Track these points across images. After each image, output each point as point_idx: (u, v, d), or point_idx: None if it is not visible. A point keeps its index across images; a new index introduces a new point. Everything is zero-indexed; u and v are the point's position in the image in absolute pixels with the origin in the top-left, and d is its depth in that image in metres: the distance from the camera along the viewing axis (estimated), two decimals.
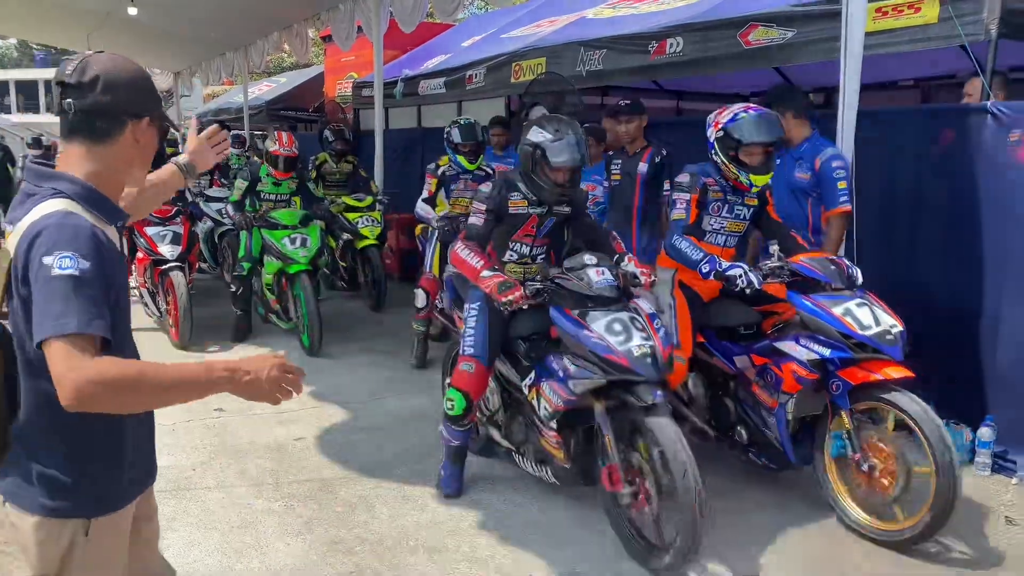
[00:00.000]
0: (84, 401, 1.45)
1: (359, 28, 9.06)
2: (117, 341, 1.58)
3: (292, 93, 16.02)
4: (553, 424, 3.30)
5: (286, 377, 1.64)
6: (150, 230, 6.45)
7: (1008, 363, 4.02)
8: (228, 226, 8.19)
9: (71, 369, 1.44)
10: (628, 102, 5.23)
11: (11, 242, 1.57)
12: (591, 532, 3.42)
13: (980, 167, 4.12)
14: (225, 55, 13.20)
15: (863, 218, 4.51)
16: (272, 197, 6.63)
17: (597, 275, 3.27)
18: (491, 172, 5.94)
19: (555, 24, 7.98)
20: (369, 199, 7.67)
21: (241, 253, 6.65)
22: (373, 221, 7.46)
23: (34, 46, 38.12)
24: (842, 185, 4.14)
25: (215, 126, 2.28)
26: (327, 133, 8.19)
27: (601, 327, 3.11)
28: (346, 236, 7.58)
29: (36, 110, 44.75)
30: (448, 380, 3.87)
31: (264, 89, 17.32)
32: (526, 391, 3.46)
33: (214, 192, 8.81)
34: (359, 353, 6.24)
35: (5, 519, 1.71)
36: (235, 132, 11.20)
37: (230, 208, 6.65)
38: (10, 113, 41.51)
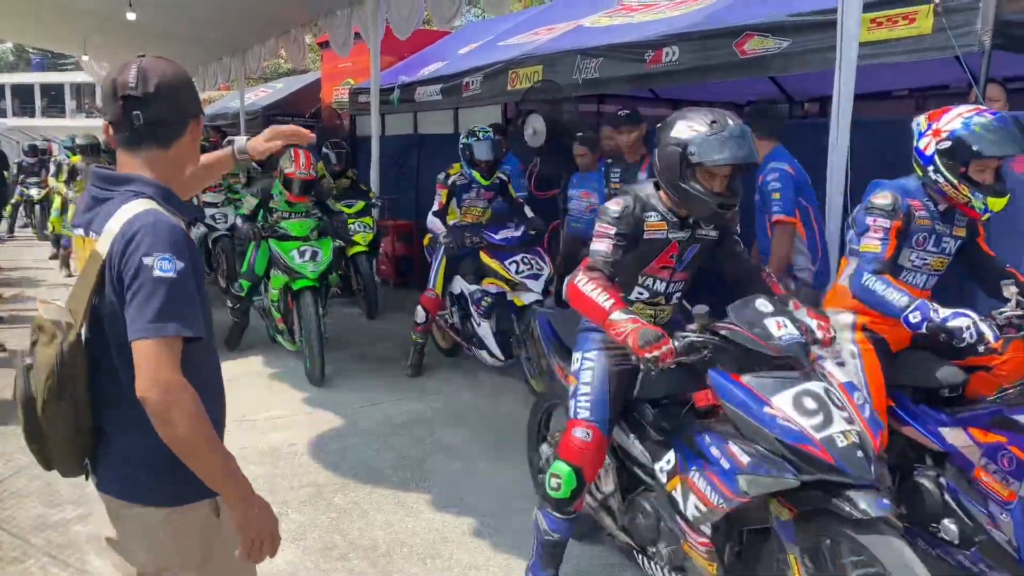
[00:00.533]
0: (162, 404, 1.52)
1: (356, 34, 9.07)
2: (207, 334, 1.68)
3: (289, 99, 16.02)
4: (706, 529, 2.46)
5: (271, 544, 1.73)
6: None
7: None
8: (221, 231, 8.23)
9: (167, 370, 1.52)
10: (628, 112, 5.27)
11: (102, 244, 1.61)
12: (588, 542, 3.42)
13: None
14: (222, 60, 13.21)
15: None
16: (286, 216, 6.03)
17: (778, 328, 2.40)
18: (506, 180, 5.79)
19: (552, 32, 8.01)
20: (361, 204, 7.54)
21: (243, 268, 6.26)
22: (365, 227, 7.36)
23: (30, 50, 38.11)
24: (775, 196, 4.13)
25: (302, 130, 2.25)
26: (328, 152, 7.95)
27: (787, 403, 2.29)
28: (338, 242, 7.33)
29: (32, 114, 44.73)
30: (546, 451, 3.39)
31: (261, 94, 17.31)
32: (663, 477, 2.61)
33: (208, 197, 8.75)
34: (353, 360, 6.24)
35: (118, 517, 1.72)
36: (230, 138, 11.15)
37: (238, 219, 6.34)
38: (5, 117, 41.48)
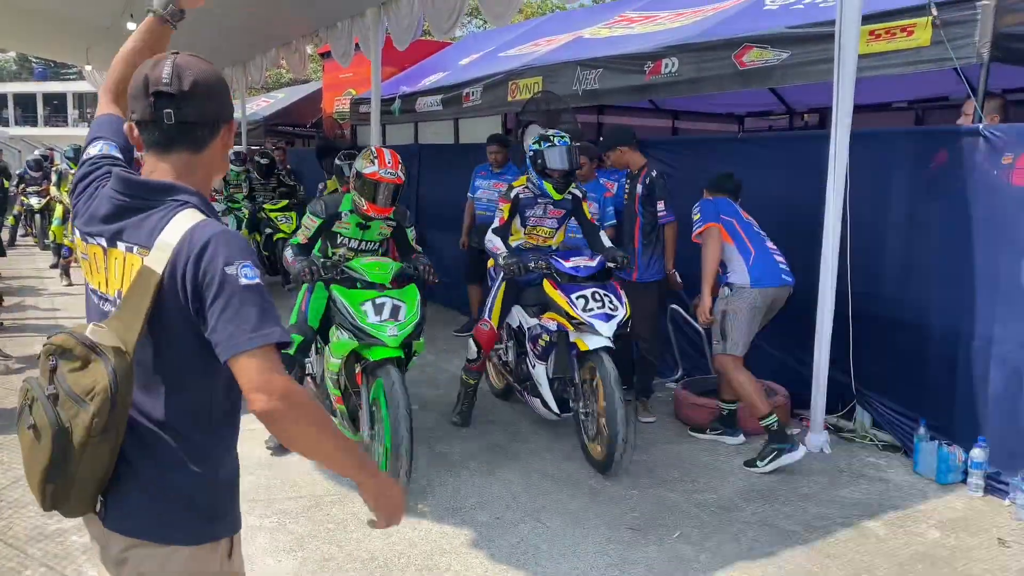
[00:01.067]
0: (288, 412, 1.44)
1: (357, 45, 9.10)
2: None
3: (290, 109, 16.10)
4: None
5: (399, 516, 1.68)
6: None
7: (1000, 384, 4.03)
8: None
9: (280, 376, 1.43)
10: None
11: (155, 259, 1.47)
12: (583, 551, 3.41)
13: (972, 189, 4.15)
14: (224, 70, 13.26)
15: (856, 238, 4.54)
16: (355, 244, 4.42)
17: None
18: (580, 196, 4.82)
19: (552, 43, 8.04)
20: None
21: (292, 319, 4.44)
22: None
23: (33, 59, 38.27)
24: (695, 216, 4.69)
25: None
26: (342, 164, 6.68)
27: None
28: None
29: (34, 123, 44.86)
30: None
31: (262, 104, 17.39)
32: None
33: None
34: None
35: (126, 558, 1.57)
36: (234, 149, 11.16)
37: (287, 253, 4.29)
38: (8, 126, 41.59)
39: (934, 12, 4.21)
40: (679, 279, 5.21)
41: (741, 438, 4.66)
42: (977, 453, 3.98)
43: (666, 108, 9.68)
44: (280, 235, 9.02)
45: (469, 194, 7.05)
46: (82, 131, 38.70)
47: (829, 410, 4.66)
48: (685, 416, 5.05)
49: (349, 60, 9.42)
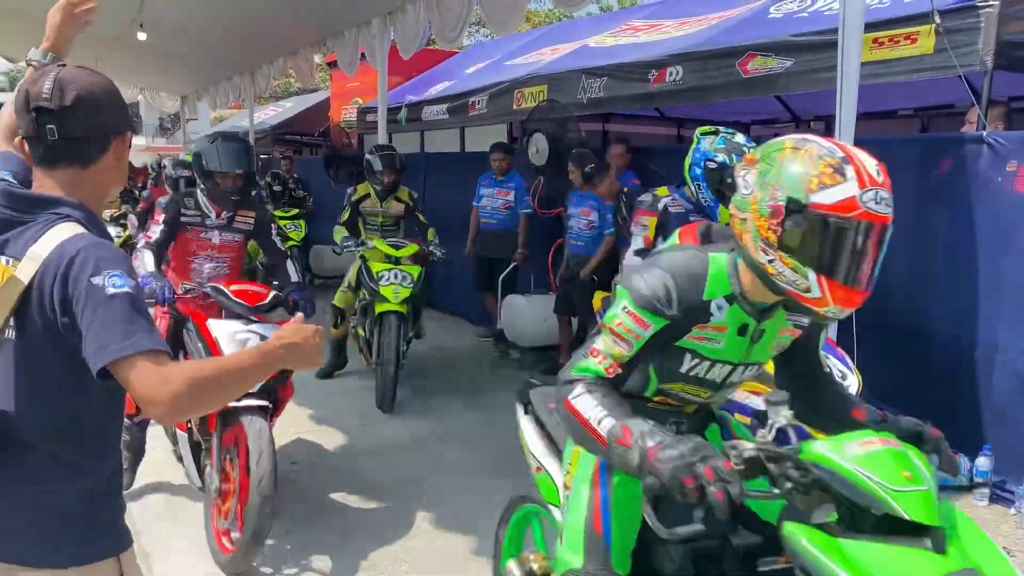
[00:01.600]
0: (181, 410, 1.44)
1: (363, 55, 9.16)
2: None
3: (298, 117, 16.16)
4: None
5: (321, 341, 1.62)
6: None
7: (1006, 392, 4.02)
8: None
9: (164, 382, 1.39)
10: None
11: (25, 270, 1.44)
12: None
13: (977, 197, 4.14)
14: (232, 79, 13.32)
15: None
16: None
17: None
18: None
19: (557, 52, 8.07)
20: (412, 248, 5.79)
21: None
22: (405, 279, 5.52)
23: None
24: None
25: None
26: (372, 159, 6.00)
27: None
28: (364, 295, 5.72)
29: (135, 132, 45.23)
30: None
31: (270, 113, 17.47)
32: None
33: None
34: (355, 377, 6.23)
35: None
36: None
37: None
38: None
39: (937, 20, 4.21)
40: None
41: None
42: (982, 462, 3.96)
43: (671, 116, 9.69)
44: (290, 243, 9.09)
45: (474, 203, 7.08)
46: None
47: None
48: None
49: (355, 69, 9.46)
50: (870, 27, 4.34)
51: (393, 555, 3.46)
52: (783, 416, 1.52)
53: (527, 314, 6.55)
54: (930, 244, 4.42)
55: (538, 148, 6.71)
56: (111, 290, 1.41)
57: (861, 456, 1.45)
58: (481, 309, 7.43)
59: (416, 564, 3.38)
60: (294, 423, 5.16)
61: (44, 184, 1.55)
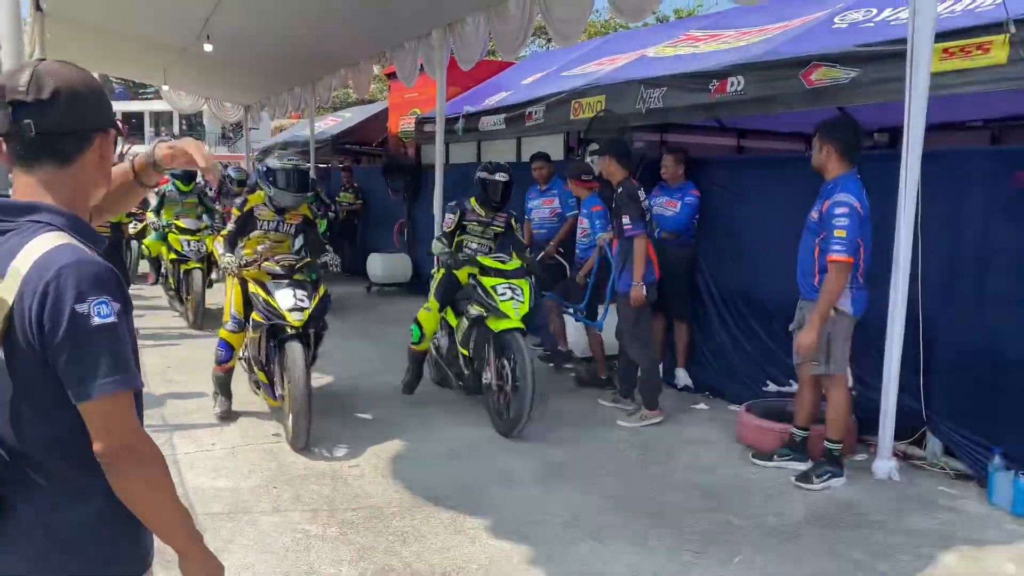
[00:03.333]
0: (131, 462, 1.39)
1: (421, 66, 9.27)
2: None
3: (357, 128, 16.42)
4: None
5: None
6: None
7: None
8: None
9: (131, 428, 1.39)
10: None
11: (6, 288, 1.35)
12: (643, 574, 3.38)
13: None
14: (293, 90, 13.61)
15: (928, 263, 4.43)
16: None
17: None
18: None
19: (615, 62, 8.06)
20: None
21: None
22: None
23: (114, 80, 39.88)
24: (839, 233, 4.08)
25: (207, 156, 1.80)
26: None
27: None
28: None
29: (122, 135, 46.68)
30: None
31: (330, 123, 17.78)
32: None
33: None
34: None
35: None
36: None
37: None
38: None
39: (1012, 29, 4.09)
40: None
41: (809, 464, 4.54)
42: None
43: (732, 127, 9.59)
44: (506, 325, 7.95)
45: (525, 217, 7.15)
46: None
47: (898, 436, 4.52)
48: (749, 440, 4.96)
49: (414, 80, 9.59)
50: (941, 37, 4.25)
51: (450, 561, 3.47)
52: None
53: (582, 324, 6.53)
54: (1002, 259, 4.29)
55: (594, 158, 6.74)
56: (96, 320, 1.34)
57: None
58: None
59: (472, 572, 3.39)
60: (354, 426, 5.23)
61: (21, 185, 1.46)
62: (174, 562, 1.54)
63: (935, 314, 4.47)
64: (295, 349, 4.73)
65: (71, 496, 1.42)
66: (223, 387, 5.46)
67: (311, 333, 4.98)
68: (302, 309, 4.80)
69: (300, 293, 4.86)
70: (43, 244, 1.36)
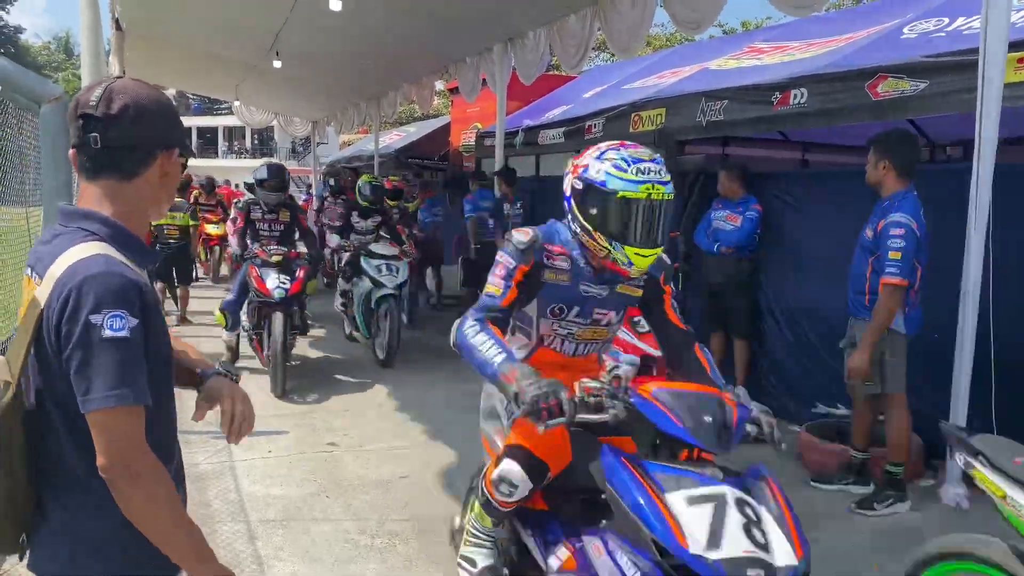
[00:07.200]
0: (125, 477, 1.38)
1: (484, 81, 9.35)
2: (159, 398, 1.47)
3: (420, 142, 16.67)
4: None
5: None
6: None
7: None
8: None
9: (132, 443, 1.38)
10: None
11: (42, 291, 1.40)
12: None
13: None
14: (359, 105, 13.89)
15: (999, 280, 4.24)
16: None
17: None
18: None
19: (677, 75, 7.98)
20: None
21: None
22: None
23: (190, 96, 41.36)
24: (893, 255, 3.93)
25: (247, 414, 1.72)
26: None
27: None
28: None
29: (191, 155, 48.38)
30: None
31: (394, 138, 18.08)
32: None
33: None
34: (469, 396, 6.29)
35: None
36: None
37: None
38: None
39: None
40: None
41: (872, 488, 4.38)
42: None
43: (796, 140, 9.40)
44: None
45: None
46: (231, 162, 41.55)
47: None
48: (808, 461, 4.81)
49: (475, 95, 9.68)
50: (1014, 46, 4.08)
51: None
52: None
53: None
54: None
55: None
56: (107, 333, 1.35)
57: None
58: None
59: None
60: (409, 437, 5.26)
61: (85, 195, 1.51)
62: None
63: (1008, 332, 4.27)
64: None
65: (97, 503, 1.43)
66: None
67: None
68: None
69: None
70: (80, 252, 1.41)
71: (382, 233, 7.88)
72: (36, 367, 1.43)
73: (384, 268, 7.27)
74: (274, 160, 7.52)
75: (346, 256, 7.99)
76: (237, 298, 6.66)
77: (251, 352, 6.89)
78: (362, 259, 7.39)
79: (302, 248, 6.88)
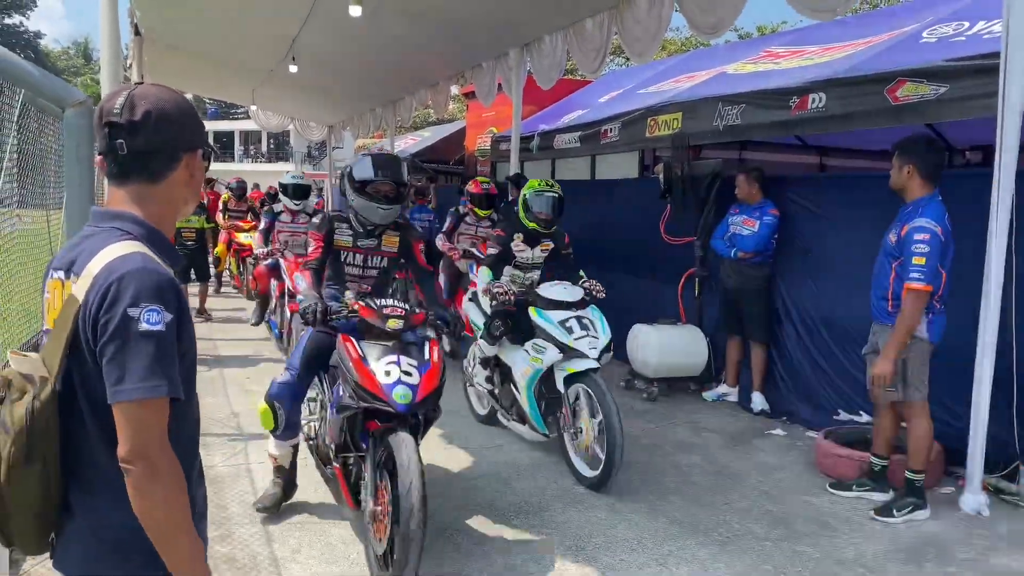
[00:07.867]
0: (143, 477, 1.40)
1: (500, 85, 9.36)
2: (187, 397, 1.51)
3: (435, 146, 16.72)
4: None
5: None
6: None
7: None
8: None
9: (154, 438, 1.40)
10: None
11: (80, 288, 1.44)
12: None
13: None
14: (375, 110, 13.94)
15: (1021, 286, 4.20)
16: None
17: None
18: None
19: (693, 79, 7.96)
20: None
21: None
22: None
23: (207, 101, 41.66)
24: (917, 261, 3.90)
25: None
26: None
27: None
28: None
29: (215, 154, 48.74)
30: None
31: (410, 142, 18.14)
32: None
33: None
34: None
35: None
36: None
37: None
38: None
39: None
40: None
41: (891, 495, 4.34)
42: None
43: (814, 145, 9.36)
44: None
45: None
46: (247, 167, 41.77)
47: (989, 469, 4.28)
48: (826, 467, 4.78)
49: (492, 99, 9.69)
50: None
51: None
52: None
53: (652, 343, 6.43)
54: None
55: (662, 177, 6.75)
56: (144, 326, 1.39)
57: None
58: None
59: None
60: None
61: (115, 199, 1.56)
62: (231, 568, 1.56)
63: None
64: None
65: (120, 502, 1.44)
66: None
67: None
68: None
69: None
70: (117, 250, 1.45)
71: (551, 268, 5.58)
72: (72, 363, 1.45)
73: (576, 325, 4.66)
74: (384, 149, 6.17)
75: (492, 304, 5.21)
76: (299, 380, 3.91)
77: (322, 480, 4.15)
78: (534, 312, 4.81)
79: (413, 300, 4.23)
